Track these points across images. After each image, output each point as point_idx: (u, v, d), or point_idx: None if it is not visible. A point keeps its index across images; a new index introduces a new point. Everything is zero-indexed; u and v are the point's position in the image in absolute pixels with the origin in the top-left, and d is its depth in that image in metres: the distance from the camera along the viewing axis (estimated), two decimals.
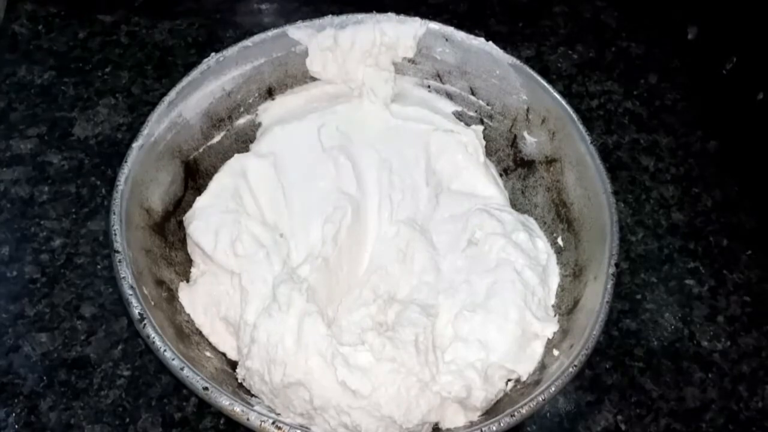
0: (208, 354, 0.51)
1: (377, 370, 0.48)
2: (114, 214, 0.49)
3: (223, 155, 0.59)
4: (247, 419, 0.42)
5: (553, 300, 0.55)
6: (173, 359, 0.44)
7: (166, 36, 0.77)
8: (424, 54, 0.62)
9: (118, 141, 0.68)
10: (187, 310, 0.52)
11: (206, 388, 0.43)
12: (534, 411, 0.44)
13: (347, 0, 0.70)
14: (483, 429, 0.43)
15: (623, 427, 0.56)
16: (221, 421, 0.53)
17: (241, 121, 0.61)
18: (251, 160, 0.58)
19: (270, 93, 0.62)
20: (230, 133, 0.61)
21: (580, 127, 0.56)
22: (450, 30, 0.61)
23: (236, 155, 0.59)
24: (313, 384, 0.47)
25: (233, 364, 0.52)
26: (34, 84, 0.71)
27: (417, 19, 0.61)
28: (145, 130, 0.53)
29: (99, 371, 0.55)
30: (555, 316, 0.54)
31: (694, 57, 0.78)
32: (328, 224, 0.55)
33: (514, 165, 0.62)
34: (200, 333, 0.52)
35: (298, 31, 0.60)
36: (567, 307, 0.54)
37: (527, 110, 0.60)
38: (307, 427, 0.46)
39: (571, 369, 0.45)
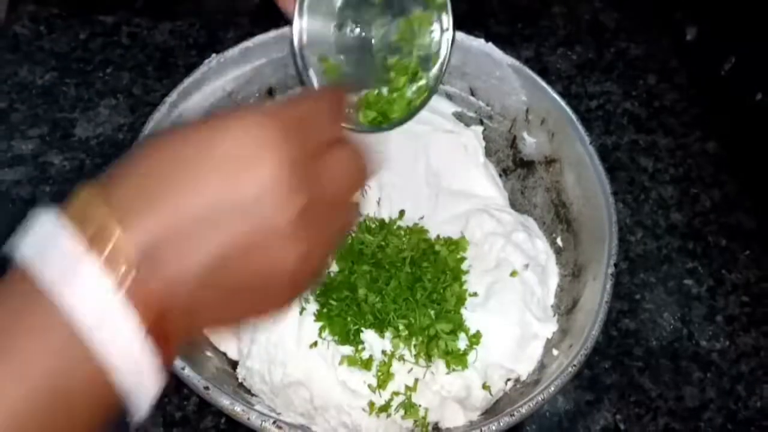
0: (208, 353, 0.51)
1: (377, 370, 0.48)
2: None
3: None
4: (248, 419, 0.42)
5: (552, 300, 0.56)
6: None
7: (167, 37, 0.77)
8: None
9: (119, 141, 0.68)
10: None
11: (207, 388, 0.43)
12: (533, 410, 0.44)
13: None
14: (483, 428, 0.43)
15: (622, 426, 0.56)
16: (222, 421, 0.54)
17: None
18: None
19: (271, 93, 0.62)
20: None
21: (579, 127, 0.56)
22: None
23: None
24: (314, 384, 0.48)
25: (234, 364, 0.52)
26: (35, 85, 0.71)
27: None
28: (147, 131, 0.53)
29: None
30: (554, 316, 0.54)
31: (693, 58, 0.78)
32: None
33: (514, 165, 0.63)
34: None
35: None
36: (566, 307, 0.54)
37: (527, 111, 0.60)
38: (307, 427, 0.47)
39: (570, 369, 0.46)
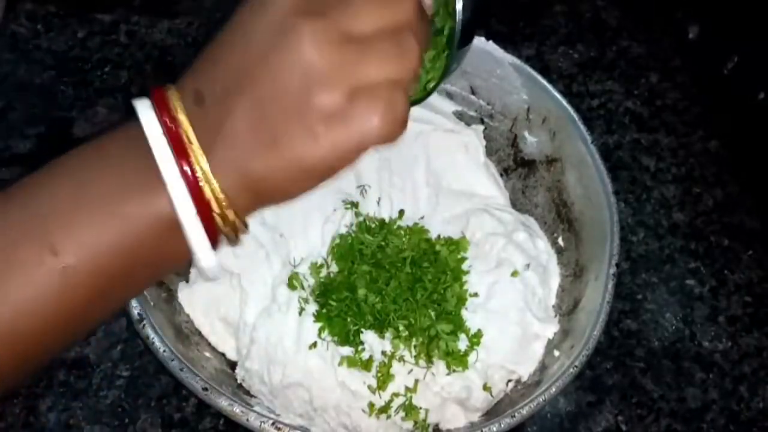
0: (207, 354, 0.51)
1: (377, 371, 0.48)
2: None
3: None
4: (247, 420, 0.42)
5: (553, 300, 0.55)
6: (172, 360, 0.44)
7: (166, 35, 0.76)
8: None
9: None
10: (187, 310, 0.52)
11: (206, 389, 0.43)
12: (534, 412, 0.44)
13: None
14: (483, 430, 0.43)
15: (624, 427, 0.56)
16: (221, 422, 0.53)
17: None
18: None
19: None
20: None
21: (581, 126, 0.56)
22: None
23: None
24: (313, 384, 0.47)
25: (233, 365, 0.51)
26: (33, 84, 0.71)
27: None
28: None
29: (98, 371, 0.55)
30: (555, 316, 0.54)
31: (696, 56, 0.78)
32: (328, 224, 0.55)
33: (515, 165, 0.62)
34: (199, 333, 0.52)
35: None
36: (567, 308, 0.54)
37: (528, 110, 0.60)
38: (306, 428, 0.46)
39: (571, 369, 0.45)
